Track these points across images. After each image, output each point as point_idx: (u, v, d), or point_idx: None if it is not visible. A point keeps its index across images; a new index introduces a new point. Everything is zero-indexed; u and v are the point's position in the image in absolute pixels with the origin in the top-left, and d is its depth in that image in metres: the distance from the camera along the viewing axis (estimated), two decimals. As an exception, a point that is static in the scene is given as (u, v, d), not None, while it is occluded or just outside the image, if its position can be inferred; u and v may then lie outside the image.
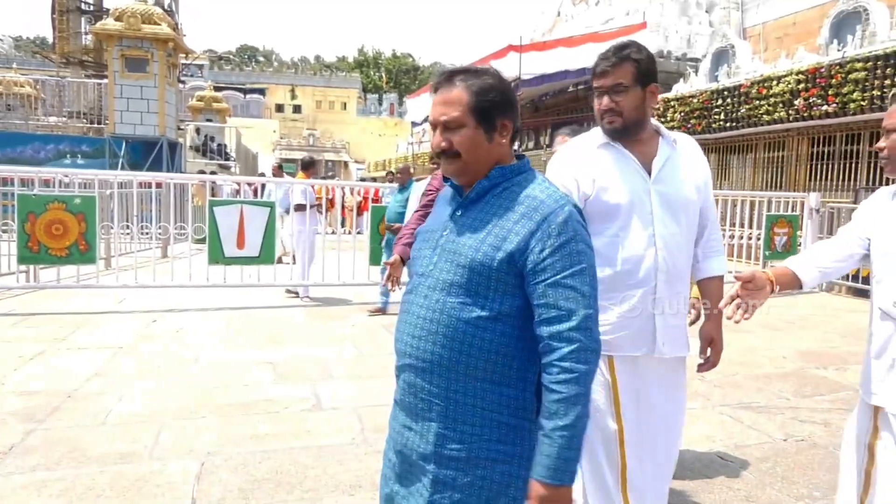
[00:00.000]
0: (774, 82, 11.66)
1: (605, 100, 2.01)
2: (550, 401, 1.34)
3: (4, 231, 7.44)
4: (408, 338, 1.47)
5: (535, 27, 26.20)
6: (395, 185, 7.77)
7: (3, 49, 61.53)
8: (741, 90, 12.43)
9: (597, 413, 2.07)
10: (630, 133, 2.02)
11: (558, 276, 1.36)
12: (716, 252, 2.18)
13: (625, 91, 1.98)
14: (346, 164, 48.96)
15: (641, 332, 2.02)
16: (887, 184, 2.02)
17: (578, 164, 2.07)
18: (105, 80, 17.73)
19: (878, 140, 1.95)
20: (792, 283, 1.94)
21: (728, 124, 12.73)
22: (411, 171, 7.64)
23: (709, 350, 2.12)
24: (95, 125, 19.09)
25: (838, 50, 11.01)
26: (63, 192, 7.71)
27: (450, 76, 1.48)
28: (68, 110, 19.95)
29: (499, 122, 1.47)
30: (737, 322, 1.84)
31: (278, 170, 11.40)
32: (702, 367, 2.11)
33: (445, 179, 1.60)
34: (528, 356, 1.43)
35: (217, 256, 7.23)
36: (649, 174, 2.02)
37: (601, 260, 2.03)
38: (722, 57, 14.54)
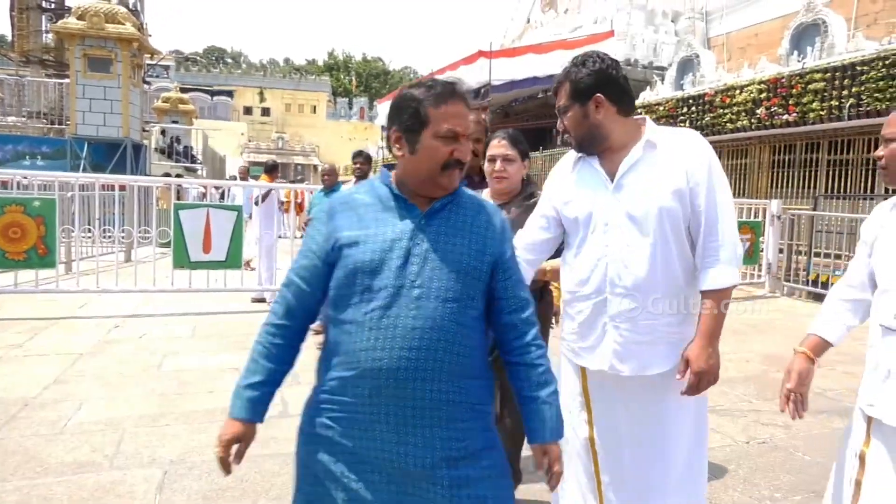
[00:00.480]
0: (737, 91, 11.94)
1: (559, 121, 2.06)
2: (538, 373, 1.59)
3: (-41, 234, 7.17)
4: (399, 351, 1.45)
5: (504, 33, 26.40)
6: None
7: (-40, 46, 59.66)
8: (706, 98, 12.70)
9: (570, 420, 2.08)
10: (587, 148, 2.01)
11: (517, 273, 1.64)
12: (709, 263, 1.91)
13: (564, 112, 2.01)
14: (315, 167, 48.54)
15: (598, 347, 1.99)
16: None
17: (553, 180, 2.17)
18: (66, 80, 17.30)
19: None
20: (825, 348, 1.95)
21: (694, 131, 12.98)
22: (338, 172, 7.45)
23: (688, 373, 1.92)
24: (56, 126, 18.61)
25: (798, 61, 11.33)
26: (21, 194, 7.49)
27: (466, 93, 1.59)
28: (28, 110, 19.41)
29: None
30: (800, 418, 1.91)
31: (245, 173, 11.27)
32: (683, 391, 1.92)
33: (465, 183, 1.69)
34: (486, 347, 1.61)
35: (182, 261, 7.10)
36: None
37: (566, 271, 2.12)
38: (687, 66, 14.84)
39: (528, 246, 2.17)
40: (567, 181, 2.10)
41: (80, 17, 15.72)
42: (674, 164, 1.92)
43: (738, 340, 6.34)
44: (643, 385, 1.97)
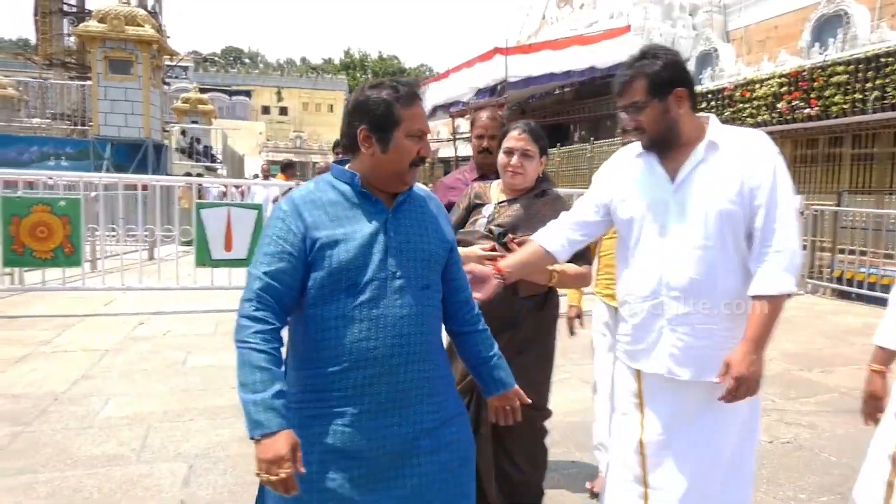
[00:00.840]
0: (758, 85, 11.81)
1: (626, 118, 1.93)
2: (487, 337, 1.83)
3: (-13, 234, 7.34)
4: (391, 339, 1.55)
5: (520, 30, 26.31)
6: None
7: (-15, 50, 60.72)
8: (725, 93, 12.58)
9: (623, 421, 2.06)
10: (661, 145, 1.93)
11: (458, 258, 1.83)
12: (763, 267, 1.82)
13: (642, 108, 1.89)
14: (335, 163, 48.74)
15: (654, 350, 1.95)
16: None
17: (607, 175, 2.11)
18: (89, 82, 17.56)
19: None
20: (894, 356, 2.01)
21: (712, 127, 12.85)
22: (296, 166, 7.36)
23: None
24: (79, 127, 18.90)
25: (820, 53, 11.18)
26: (48, 194, 7.64)
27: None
28: (52, 112, 19.75)
29: None
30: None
31: (268, 171, 11.38)
32: (721, 396, 1.84)
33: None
34: None
35: (204, 259, 7.19)
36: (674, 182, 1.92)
37: (621, 272, 2.08)
38: (706, 60, 14.71)
39: (576, 224, 2.12)
40: (623, 178, 2.03)
41: (100, 20, 15.94)
42: (736, 165, 1.85)
43: (759, 337, 6.27)
44: (699, 389, 1.91)
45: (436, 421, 1.64)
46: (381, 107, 1.59)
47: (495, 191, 2.54)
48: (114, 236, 9.41)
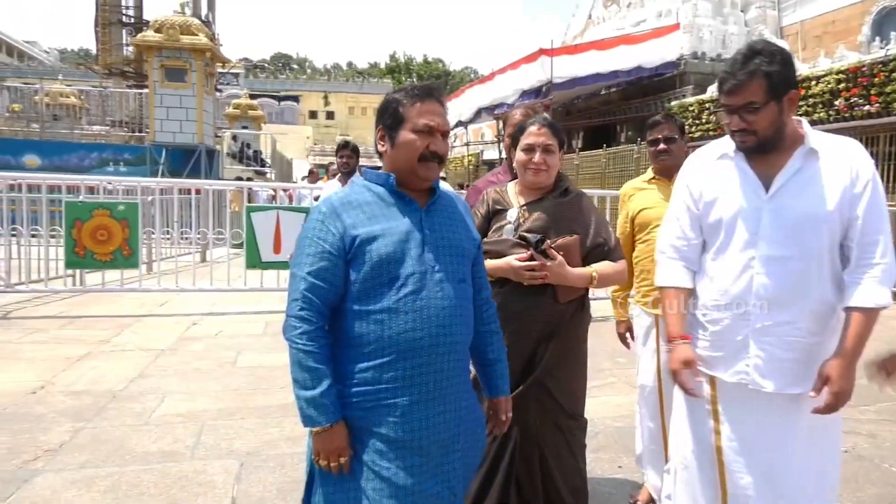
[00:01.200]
0: (814, 82, 11.41)
1: (735, 119, 1.82)
2: (498, 340, 1.89)
3: (53, 237, 7.70)
4: (435, 329, 1.63)
5: (566, 30, 26.08)
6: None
7: (50, 61, 63.75)
8: (779, 91, 12.20)
9: (695, 427, 2.02)
10: (766, 149, 1.84)
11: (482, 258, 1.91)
12: (860, 280, 1.79)
13: (757, 109, 1.79)
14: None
15: (736, 360, 1.90)
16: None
17: (693, 176, 2.03)
18: (146, 90, 18.21)
19: None
20: None
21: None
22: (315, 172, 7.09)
23: (825, 390, 1.80)
24: (137, 133, 19.61)
25: (881, 48, 10.73)
26: (107, 198, 7.96)
27: (441, 91, 1.78)
28: (111, 119, 20.56)
29: None
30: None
31: (316, 175, 11.59)
32: (816, 409, 1.81)
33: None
34: None
35: (254, 261, 7.38)
36: (768, 189, 1.85)
37: (703, 275, 1.99)
38: (759, 57, 14.29)
39: (688, 247, 2.01)
40: (707, 180, 1.97)
41: (157, 30, 16.52)
42: (835, 175, 1.80)
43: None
44: (780, 400, 1.87)
45: (469, 406, 1.77)
46: (391, 106, 1.73)
47: (513, 193, 2.41)
48: (168, 239, 9.73)
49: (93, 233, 6.96)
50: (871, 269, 1.78)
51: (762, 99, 1.78)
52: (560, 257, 2.16)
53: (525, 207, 2.33)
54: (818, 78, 11.31)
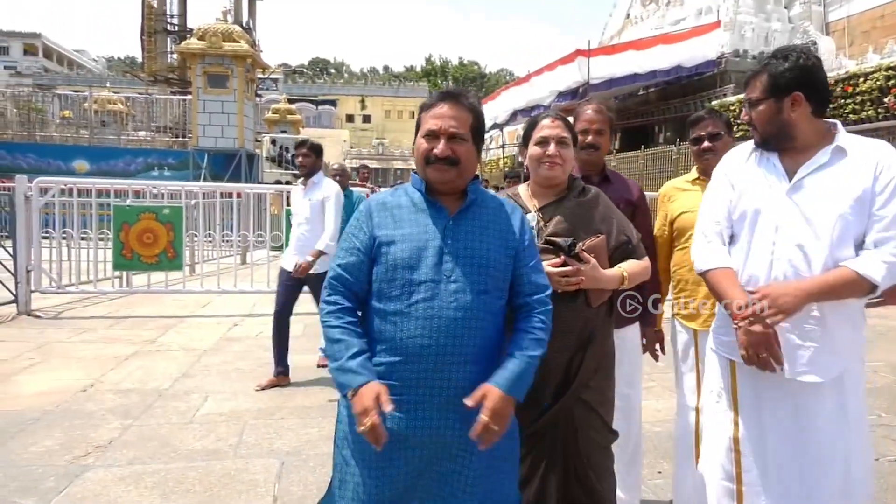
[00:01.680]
0: (861, 79, 11.06)
1: (744, 112, 1.99)
2: (528, 339, 1.72)
3: (101, 239, 7.97)
4: (444, 339, 1.64)
5: (604, 30, 25.82)
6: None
7: (98, 69, 65.91)
8: (825, 89, 11.86)
9: (713, 418, 2.06)
10: (773, 144, 1.95)
11: (533, 259, 1.81)
12: (867, 254, 1.82)
13: (756, 105, 1.94)
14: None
15: None
16: None
17: (730, 168, 2.10)
18: (189, 97, 18.69)
19: None
20: None
21: (811, 125, 12.15)
22: (349, 173, 6.28)
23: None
24: (180, 139, 20.16)
25: (934, 43, 10.35)
26: (153, 202, 8.20)
27: (457, 95, 1.77)
28: (156, 125, 21.19)
29: (482, 143, 1.84)
30: None
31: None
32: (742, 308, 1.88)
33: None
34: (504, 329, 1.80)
35: (293, 263, 7.49)
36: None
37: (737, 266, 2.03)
38: (803, 54, 13.92)
39: (721, 236, 2.04)
40: (740, 172, 2.05)
41: (200, 38, 16.95)
42: (862, 171, 1.85)
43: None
44: (800, 388, 1.88)
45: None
46: (419, 112, 1.81)
47: (526, 196, 2.29)
48: (210, 241, 9.97)
49: (139, 236, 7.18)
50: (884, 253, 1.80)
51: (759, 95, 1.92)
52: (593, 260, 2.08)
53: (542, 210, 2.21)
54: (866, 75, 10.96)
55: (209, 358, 5.36)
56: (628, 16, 24.02)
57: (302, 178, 5.08)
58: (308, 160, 4.97)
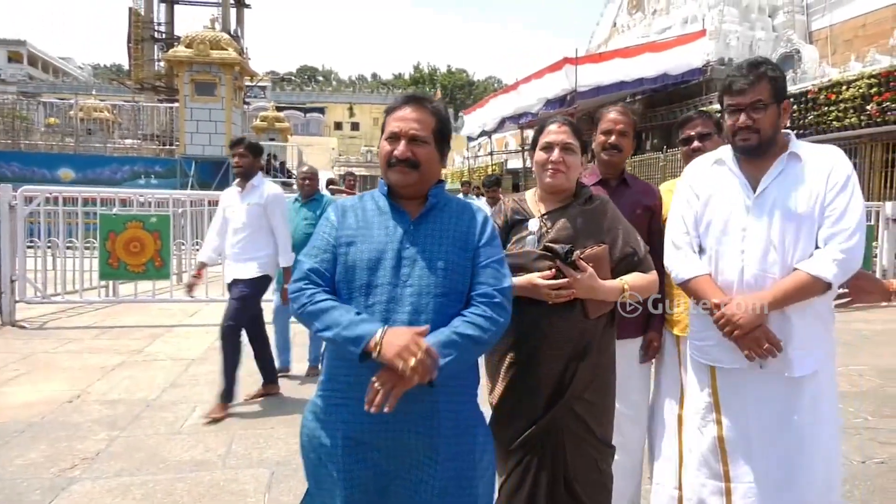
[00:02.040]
0: (844, 87, 11.22)
1: (742, 117, 1.97)
2: (461, 321, 1.65)
3: (87, 248, 7.89)
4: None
5: (591, 38, 26.02)
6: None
7: (84, 77, 65.48)
8: (808, 96, 12.01)
9: (696, 423, 2.13)
10: (762, 150, 2.00)
11: (491, 258, 1.75)
12: (818, 253, 1.92)
13: (763, 108, 1.95)
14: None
15: (734, 346, 1.99)
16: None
17: (693, 179, 2.18)
18: (176, 104, 18.61)
19: None
20: None
21: (795, 132, 12.25)
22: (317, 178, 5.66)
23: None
24: (167, 147, 20.05)
25: (914, 51, 10.52)
26: (140, 211, 8.14)
27: (420, 99, 1.78)
28: (142, 133, 21.07)
29: (446, 148, 1.82)
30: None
31: (331, 184, 11.65)
32: (715, 317, 1.99)
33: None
34: None
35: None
36: (755, 190, 2.01)
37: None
38: (787, 62, 14.12)
39: (692, 245, 2.12)
40: (704, 184, 2.12)
41: (188, 45, 16.91)
42: (814, 176, 1.97)
43: (848, 353, 5.93)
44: (777, 385, 1.99)
45: (455, 429, 1.69)
46: (384, 117, 1.81)
47: (532, 201, 2.23)
48: (198, 250, 9.88)
49: (126, 244, 7.13)
50: (832, 250, 1.91)
51: (768, 99, 1.96)
52: (590, 269, 2.00)
53: (547, 216, 2.15)
54: (849, 83, 11.12)
55: (197, 367, 5.31)
56: (615, 24, 24.22)
57: (238, 181, 4.64)
58: (245, 160, 4.55)
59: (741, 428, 2.03)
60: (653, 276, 2.17)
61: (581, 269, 1.98)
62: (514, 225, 2.18)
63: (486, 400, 2.02)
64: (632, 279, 2.10)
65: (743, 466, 2.03)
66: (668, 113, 18.31)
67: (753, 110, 1.96)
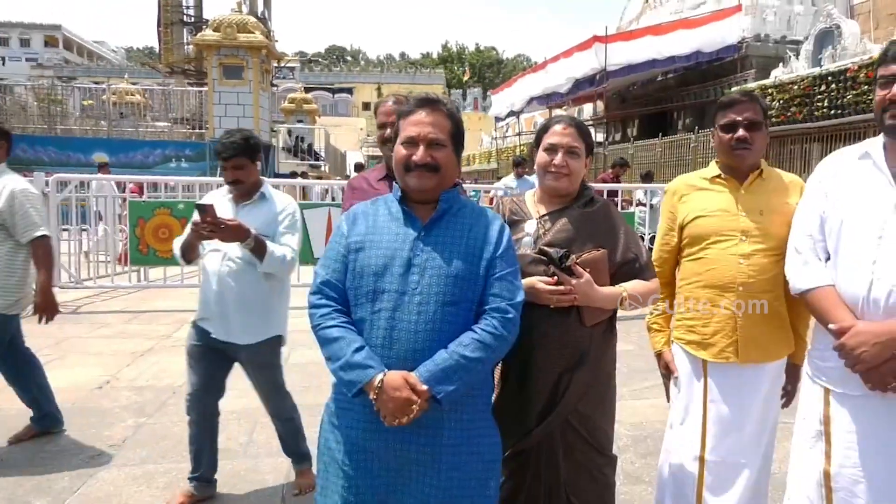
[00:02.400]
0: (887, 64, 10.79)
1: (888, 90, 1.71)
2: (470, 338, 1.62)
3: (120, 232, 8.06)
4: (404, 353, 1.61)
5: (622, 15, 25.45)
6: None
7: (117, 60, 66.51)
8: (848, 74, 11.58)
9: (803, 453, 1.89)
10: None
11: (506, 270, 1.71)
12: None
13: None
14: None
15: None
16: None
17: (825, 175, 1.92)
18: (205, 88, 18.79)
19: None
20: None
21: (833, 112, 11.90)
22: None
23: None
24: (197, 130, 20.29)
25: (962, 26, 10.04)
26: (168, 197, 8.28)
27: (435, 102, 1.75)
28: (173, 117, 21.29)
29: (461, 150, 1.80)
30: None
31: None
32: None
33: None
34: None
35: (307, 257, 7.51)
36: None
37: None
38: (826, 38, 13.61)
39: (817, 253, 1.88)
40: (838, 181, 1.86)
41: (215, 29, 17.00)
42: None
43: None
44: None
45: (459, 438, 1.67)
46: (397, 121, 1.80)
47: (531, 202, 2.15)
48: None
49: (155, 231, 7.27)
50: None
51: None
52: (587, 275, 1.90)
53: (545, 218, 2.07)
54: (891, 60, 10.69)
55: (223, 353, 5.40)
56: (647, 0, 23.62)
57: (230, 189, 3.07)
58: (239, 174, 2.96)
59: (855, 464, 1.75)
60: (654, 283, 2.09)
61: (577, 275, 1.89)
62: (510, 225, 2.05)
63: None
64: (631, 286, 2.00)
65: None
66: (701, 91, 17.88)
67: None
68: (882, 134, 1.80)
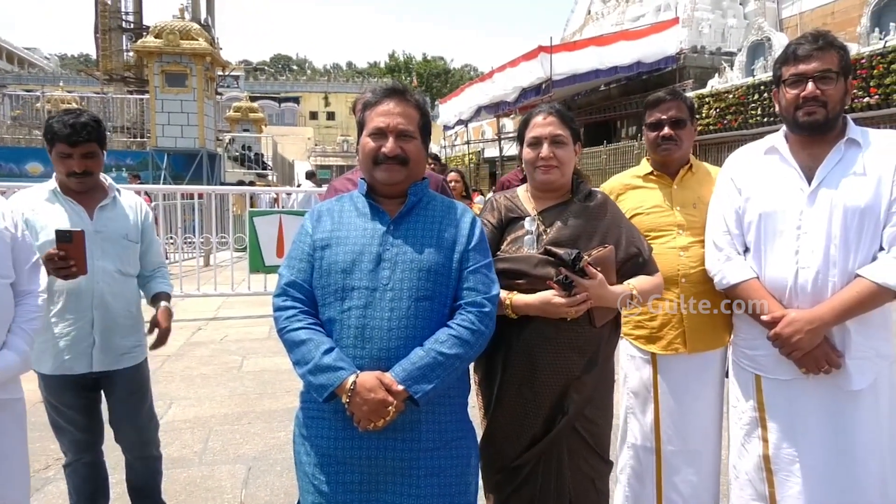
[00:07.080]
0: (813, 75, 11.41)
1: (809, 86, 1.76)
2: (447, 334, 1.56)
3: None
4: (377, 351, 1.54)
5: (565, 27, 26.07)
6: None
7: (50, 67, 63.91)
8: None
9: (740, 441, 1.99)
10: (827, 128, 1.80)
11: (478, 263, 1.65)
12: (881, 256, 1.75)
13: (833, 79, 1.75)
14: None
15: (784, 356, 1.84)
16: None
17: (735, 171, 1.99)
18: (146, 96, 18.28)
19: None
20: None
21: (766, 119, 12.50)
22: None
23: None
24: (138, 139, 19.71)
25: (880, 39, 10.72)
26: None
27: (402, 91, 1.68)
28: (112, 125, 20.63)
29: (429, 141, 1.74)
30: None
31: (312, 177, 11.63)
32: (769, 335, 1.84)
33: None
34: None
35: (258, 265, 7.43)
36: (810, 182, 1.82)
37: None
38: (758, 50, 14.29)
39: (735, 247, 1.97)
40: (750, 176, 1.94)
41: (157, 36, 16.57)
42: (879, 164, 1.77)
43: None
44: (832, 397, 1.81)
45: (437, 442, 1.59)
46: (359, 112, 1.72)
47: (524, 198, 2.04)
48: (172, 244, 9.79)
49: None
50: (893, 243, 1.73)
51: (837, 69, 1.76)
52: (600, 275, 1.79)
53: (542, 215, 1.96)
54: (817, 70, 11.31)
55: (173, 363, 5.27)
56: (589, 12, 24.28)
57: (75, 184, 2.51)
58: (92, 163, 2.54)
59: (791, 445, 1.85)
60: (658, 278, 2.00)
61: (590, 276, 1.78)
62: (508, 223, 1.99)
63: (474, 406, 1.94)
64: (639, 283, 1.91)
65: (791, 489, 1.85)
66: (642, 101, 18.32)
67: (822, 80, 1.74)
68: (787, 129, 1.92)
